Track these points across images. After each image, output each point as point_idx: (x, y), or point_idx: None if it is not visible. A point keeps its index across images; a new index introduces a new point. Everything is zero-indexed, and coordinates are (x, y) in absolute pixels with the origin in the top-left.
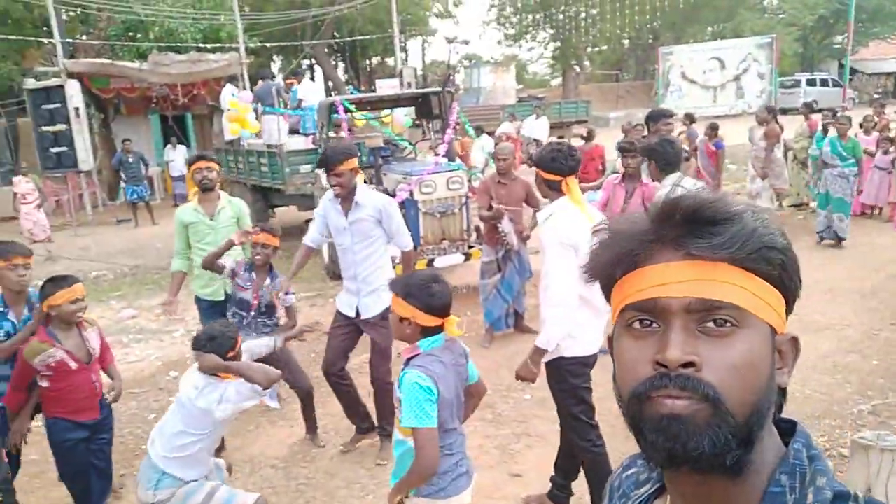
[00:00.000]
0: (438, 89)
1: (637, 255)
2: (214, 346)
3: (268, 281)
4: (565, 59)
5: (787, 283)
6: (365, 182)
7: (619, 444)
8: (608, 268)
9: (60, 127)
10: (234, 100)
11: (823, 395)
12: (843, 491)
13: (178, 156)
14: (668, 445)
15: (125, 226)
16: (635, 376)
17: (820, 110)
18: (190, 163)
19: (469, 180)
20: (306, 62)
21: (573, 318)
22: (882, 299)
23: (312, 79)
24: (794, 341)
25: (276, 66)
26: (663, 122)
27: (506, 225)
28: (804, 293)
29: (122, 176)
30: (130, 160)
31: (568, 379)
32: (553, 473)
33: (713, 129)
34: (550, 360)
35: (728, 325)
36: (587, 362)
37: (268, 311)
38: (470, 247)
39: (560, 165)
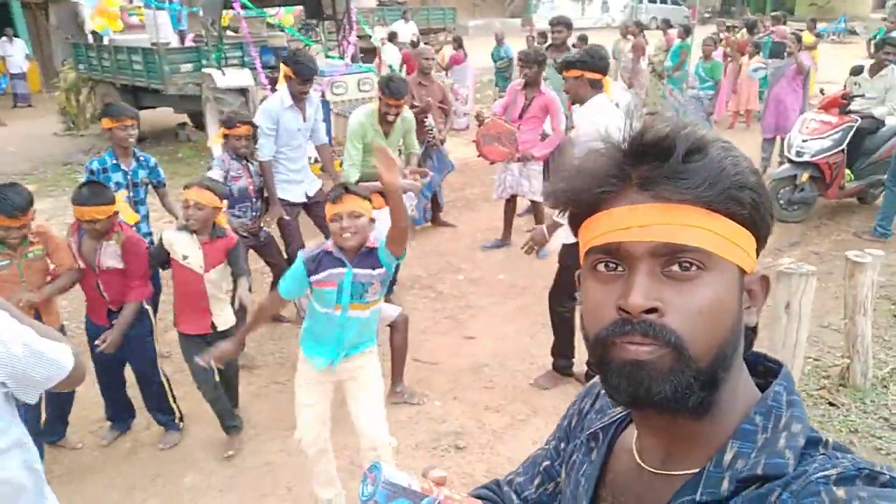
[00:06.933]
0: None
1: (600, 196)
2: None
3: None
4: None
5: (758, 222)
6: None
7: None
8: (573, 207)
9: None
10: None
11: None
12: (815, 437)
13: (16, 51)
14: (630, 390)
15: None
16: (600, 320)
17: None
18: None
19: None
20: None
21: None
22: None
23: None
24: (765, 280)
25: None
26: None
27: (431, 120)
28: None
29: None
30: None
31: (577, 258)
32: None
33: (582, 41)
34: (574, 243)
35: (694, 268)
36: None
37: (260, 195)
38: None
39: (606, 64)
